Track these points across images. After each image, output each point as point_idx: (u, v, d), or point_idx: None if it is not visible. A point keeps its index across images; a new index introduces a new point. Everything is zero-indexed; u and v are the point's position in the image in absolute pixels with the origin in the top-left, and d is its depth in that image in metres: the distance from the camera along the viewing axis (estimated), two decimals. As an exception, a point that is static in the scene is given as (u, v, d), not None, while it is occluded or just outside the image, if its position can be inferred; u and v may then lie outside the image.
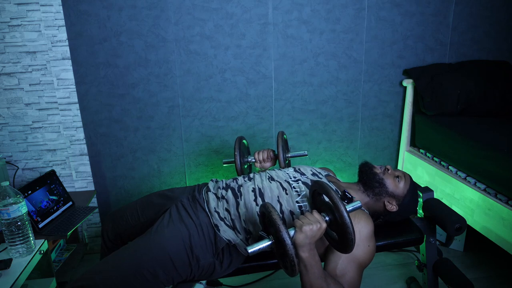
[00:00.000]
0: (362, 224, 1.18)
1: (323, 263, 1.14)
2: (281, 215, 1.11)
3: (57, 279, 1.53)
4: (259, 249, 1.01)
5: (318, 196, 1.13)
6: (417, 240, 1.40)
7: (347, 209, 1.00)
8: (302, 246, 1.01)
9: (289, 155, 1.60)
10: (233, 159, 1.56)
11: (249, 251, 1.00)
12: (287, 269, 1.01)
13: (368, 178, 1.33)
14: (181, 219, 1.21)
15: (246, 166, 1.58)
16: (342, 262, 1.13)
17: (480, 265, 1.88)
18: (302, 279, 1.04)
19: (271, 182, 1.28)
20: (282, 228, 0.95)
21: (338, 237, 1.04)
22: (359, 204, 1.07)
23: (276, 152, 1.56)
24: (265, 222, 1.08)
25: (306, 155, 1.63)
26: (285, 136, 1.61)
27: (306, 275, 1.03)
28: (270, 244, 1.01)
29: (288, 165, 1.59)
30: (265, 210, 1.02)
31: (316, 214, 1.04)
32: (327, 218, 1.04)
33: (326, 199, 1.09)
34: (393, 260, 1.95)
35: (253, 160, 1.58)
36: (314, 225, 1.01)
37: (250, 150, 1.77)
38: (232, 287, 1.77)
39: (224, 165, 1.63)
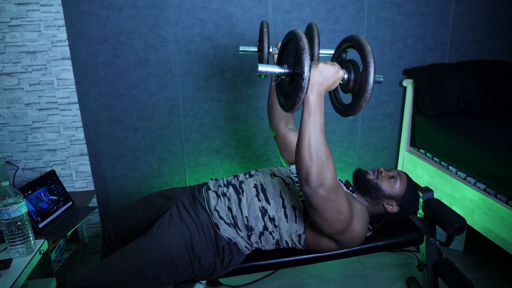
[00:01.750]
0: (362, 209, 1.20)
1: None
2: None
3: (57, 279, 1.53)
4: (270, 71, 0.95)
5: (342, 53, 1.07)
6: (417, 240, 1.40)
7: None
8: (312, 86, 0.95)
9: (320, 51, 1.32)
10: (252, 48, 1.38)
11: (259, 68, 0.94)
12: (289, 99, 0.94)
13: (362, 185, 1.32)
14: (182, 219, 1.21)
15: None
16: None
17: (480, 265, 1.88)
18: (302, 127, 0.98)
19: (273, 178, 1.28)
20: (307, 49, 0.86)
21: (354, 95, 0.96)
22: (381, 79, 1.03)
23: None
24: (284, 52, 1.01)
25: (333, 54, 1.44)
26: None
27: (307, 122, 0.96)
28: (283, 72, 0.94)
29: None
30: (292, 35, 0.94)
31: (336, 63, 0.99)
32: (346, 75, 0.99)
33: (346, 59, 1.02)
34: (393, 260, 1.95)
35: (276, 52, 1.38)
36: (332, 67, 0.96)
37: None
38: (232, 287, 1.77)
39: (241, 52, 1.40)
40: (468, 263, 1.90)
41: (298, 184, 1.25)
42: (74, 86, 1.83)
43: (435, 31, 2.07)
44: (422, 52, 2.10)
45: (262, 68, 0.94)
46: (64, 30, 1.74)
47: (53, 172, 1.77)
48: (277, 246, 1.24)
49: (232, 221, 1.20)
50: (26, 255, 1.33)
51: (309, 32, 1.29)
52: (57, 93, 1.82)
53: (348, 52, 1.07)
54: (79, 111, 1.87)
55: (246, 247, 1.21)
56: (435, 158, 1.96)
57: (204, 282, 1.28)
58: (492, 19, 2.11)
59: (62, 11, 1.72)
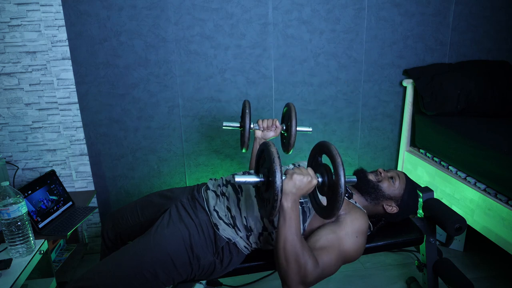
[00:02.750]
0: (356, 216, 1.17)
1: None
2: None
3: (57, 279, 1.53)
4: (245, 181, 1.00)
5: (316, 157, 1.11)
6: (417, 240, 1.40)
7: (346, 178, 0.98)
8: (287, 194, 1.00)
9: (297, 128, 1.48)
10: (234, 124, 1.49)
11: (236, 179, 0.99)
12: (266, 208, 0.99)
13: (363, 184, 1.32)
14: (181, 218, 1.21)
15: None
16: (326, 239, 1.10)
17: (480, 265, 1.88)
18: (278, 232, 1.03)
19: None
20: (277, 162, 0.93)
21: (328, 199, 1.01)
22: (355, 179, 1.06)
23: (281, 123, 1.51)
24: (260, 161, 1.06)
25: (311, 131, 1.55)
26: None
27: (283, 227, 1.01)
28: (258, 181, 1.00)
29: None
30: (265, 146, 1.00)
31: (310, 170, 1.03)
32: (320, 179, 1.03)
33: (323, 162, 1.07)
34: (393, 260, 1.95)
35: (256, 128, 1.51)
36: (305, 177, 1.00)
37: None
38: (232, 287, 1.77)
39: (224, 128, 1.51)
40: (468, 263, 1.90)
41: None
42: (74, 86, 1.83)
43: (435, 31, 2.07)
44: (422, 52, 2.09)
45: (239, 178, 0.99)
46: (64, 30, 1.75)
47: (53, 172, 1.77)
48: None
49: (231, 221, 1.20)
50: (26, 255, 1.33)
51: (287, 111, 1.46)
52: (57, 93, 1.82)
53: (323, 156, 1.11)
54: (79, 111, 1.87)
55: (245, 247, 1.21)
56: (435, 158, 1.96)
57: (204, 282, 1.27)
58: (492, 19, 2.11)
59: (62, 11, 1.72)
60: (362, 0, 1.95)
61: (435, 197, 1.46)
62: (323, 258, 1.05)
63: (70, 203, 1.78)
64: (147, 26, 1.82)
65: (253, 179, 1.01)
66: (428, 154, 2.03)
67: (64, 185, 1.86)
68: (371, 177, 1.33)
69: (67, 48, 1.77)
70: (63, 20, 1.73)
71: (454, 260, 1.89)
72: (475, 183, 1.67)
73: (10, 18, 1.69)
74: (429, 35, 2.07)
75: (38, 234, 1.53)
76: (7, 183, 1.30)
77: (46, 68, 1.78)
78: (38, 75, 1.78)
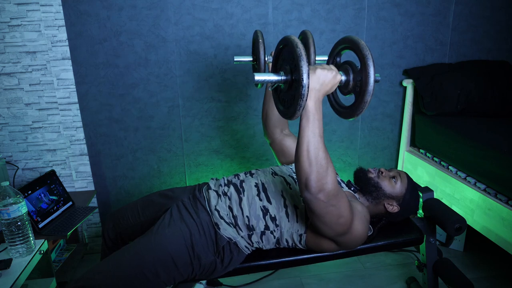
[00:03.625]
0: (363, 207, 1.19)
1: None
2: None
3: (57, 279, 1.53)
4: (267, 79, 0.93)
5: (337, 56, 1.06)
6: (417, 240, 1.40)
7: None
8: (311, 92, 0.94)
9: (316, 58, 1.31)
10: (246, 58, 1.35)
11: (256, 78, 0.92)
12: (289, 107, 0.93)
13: (363, 184, 1.33)
14: (182, 218, 1.21)
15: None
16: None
17: (480, 265, 1.88)
18: (301, 133, 0.97)
19: (274, 177, 1.28)
20: (303, 55, 0.85)
21: (356, 96, 0.95)
22: (378, 78, 0.99)
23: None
24: (279, 59, 0.99)
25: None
26: None
27: (306, 128, 0.95)
28: (280, 79, 0.93)
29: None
30: (287, 41, 0.92)
31: (333, 66, 0.98)
32: (343, 77, 0.98)
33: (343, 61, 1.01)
34: (393, 260, 1.95)
35: (270, 61, 1.34)
36: (330, 72, 0.95)
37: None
38: (232, 287, 1.77)
39: (235, 62, 1.37)
40: (468, 263, 1.90)
41: None
42: (74, 86, 1.83)
43: (435, 31, 2.07)
44: (422, 52, 2.10)
45: (258, 77, 0.92)
46: (64, 30, 1.74)
47: (53, 172, 1.77)
48: (277, 245, 1.24)
49: (233, 221, 1.20)
50: (26, 255, 1.33)
51: (304, 39, 1.28)
52: (57, 93, 1.82)
53: (342, 55, 1.06)
54: (79, 111, 1.87)
55: (246, 246, 1.21)
56: (435, 158, 1.96)
57: (204, 282, 1.28)
58: (492, 19, 2.11)
59: (62, 11, 1.72)
60: (362, 0, 1.96)
61: (435, 197, 1.46)
62: (341, 190, 1.03)
63: (70, 203, 1.78)
64: (147, 26, 1.82)
65: (274, 77, 0.93)
66: (428, 154, 2.03)
67: (64, 185, 1.86)
68: (371, 174, 1.34)
69: (67, 48, 1.77)
70: (63, 20, 1.73)
71: (454, 260, 1.89)
72: (475, 183, 1.67)
73: (10, 18, 1.69)
74: (429, 35, 2.07)
75: (38, 234, 1.53)
76: (7, 183, 1.30)
77: (46, 68, 1.78)
78: (38, 75, 1.78)
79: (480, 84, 1.95)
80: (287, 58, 0.94)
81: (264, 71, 1.28)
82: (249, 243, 1.21)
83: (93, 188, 1.99)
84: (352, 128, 2.17)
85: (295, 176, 1.29)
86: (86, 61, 1.82)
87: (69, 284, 1.12)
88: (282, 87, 0.97)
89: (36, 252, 1.35)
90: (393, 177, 1.33)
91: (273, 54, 1.28)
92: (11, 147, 1.86)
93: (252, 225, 1.19)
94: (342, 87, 1.00)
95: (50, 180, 1.73)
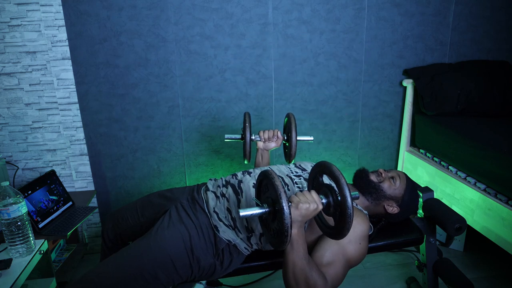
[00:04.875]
0: (357, 221, 1.17)
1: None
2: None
3: (57, 279, 1.53)
4: (251, 214, 0.99)
5: (318, 178, 1.10)
6: (417, 240, 1.40)
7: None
8: (294, 223, 1.00)
9: (298, 138, 1.51)
10: (236, 136, 1.52)
11: (241, 214, 0.98)
12: (275, 239, 0.99)
13: (364, 184, 1.33)
14: (181, 220, 1.21)
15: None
16: (330, 252, 1.11)
17: (480, 265, 1.88)
18: (286, 258, 1.04)
19: None
20: (283, 195, 0.92)
21: (335, 220, 1.01)
22: (357, 195, 1.05)
23: (283, 133, 1.53)
24: (261, 190, 1.06)
25: (312, 140, 1.57)
26: None
27: (290, 253, 1.02)
28: (264, 212, 0.99)
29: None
30: (265, 177, 0.99)
31: (314, 194, 1.02)
32: (324, 201, 1.02)
33: (326, 181, 1.06)
34: (393, 260, 1.95)
35: (258, 139, 1.54)
36: (311, 204, 1.00)
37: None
38: (232, 287, 1.77)
39: (226, 140, 1.56)
40: (468, 263, 1.90)
41: (298, 185, 1.25)
42: (74, 86, 1.83)
43: (435, 31, 2.07)
44: (422, 52, 2.09)
45: (243, 213, 0.98)
46: (64, 30, 1.74)
47: (53, 172, 1.77)
48: None
49: (232, 223, 1.20)
50: (26, 255, 1.33)
51: (287, 122, 1.50)
52: (57, 93, 1.82)
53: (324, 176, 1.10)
54: (79, 111, 1.87)
55: (246, 248, 1.21)
56: (435, 158, 1.96)
57: (204, 282, 1.27)
58: (492, 19, 2.11)
59: (62, 11, 1.72)
60: (362, 0, 1.95)
61: (435, 197, 1.46)
62: (330, 273, 1.07)
63: (70, 203, 1.78)
64: (147, 26, 1.82)
65: (259, 211, 1.00)
66: (428, 154, 2.03)
67: (64, 185, 1.86)
68: (372, 177, 1.34)
69: (67, 48, 1.77)
70: (63, 20, 1.73)
71: (454, 260, 1.89)
72: (475, 183, 1.67)
73: (10, 18, 1.69)
74: (429, 35, 2.07)
75: (38, 234, 1.53)
76: (7, 183, 1.29)
77: (46, 68, 1.78)
78: (38, 75, 1.78)
79: (480, 84, 1.95)
80: (269, 191, 1.00)
81: (250, 148, 1.48)
82: (248, 245, 1.21)
83: (93, 188, 1.99)
84: (352, 128, 2.17)
85: (293, 177, 1.29)
86: (86, 61, 1.82)
87: (69, 285, 1.12)
88: (268, 217, 1.03)
89: (36, 252, 1.35)
90: (392, 177, 1.33)
91: (260, 134, 1.54)
92: (11, 147, 1.86)
93: (251, 227, 1.19)
94: (325, 209, 1.05)
95: (50, 180, 1.73)
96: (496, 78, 1.98)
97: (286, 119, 1.54)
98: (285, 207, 0.91)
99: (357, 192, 1.06)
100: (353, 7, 1.96)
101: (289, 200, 0.99)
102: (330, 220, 1.06)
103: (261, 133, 1.54)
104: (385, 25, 2.01)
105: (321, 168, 1.05)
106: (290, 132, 1.46)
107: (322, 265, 1.08)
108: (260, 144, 1.56)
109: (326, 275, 1.06)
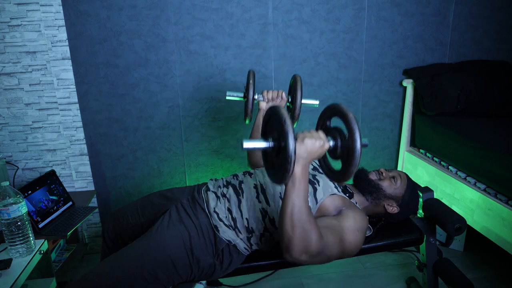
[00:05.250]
0: (358, 214, 1.16)
1: None
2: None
3: (57, 279, 1.53)
4: (254, 147, 0.96)
5: (325, 121, 1.08)
6: (417, 240, 1.40)
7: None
8: (298, 159, 0.94)
9: (303, 101, 1.45)
10: (238, 94, 1.47)
11: (244, 145, 0.94)
12: (277, 173, 0.96)
13: (363, 184, 1.32)
14: (181, 220, 1.21)
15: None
16: (330, 222, 1.08)
17: (480, 265, 1.88)
18: (286, 196, 0.98)
19: None
20: (289, 125, 0.88)
21: (342, 162, 0.98)
22: (367, 142, 1.00)
23: (287, 95, 1.48)
24: (268, 126, 1.03)
25: (317, 104, 1.51)
26: None
27: (292, 192, 0.96)
28: (268, 146, 0.96)
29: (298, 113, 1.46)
30: (273, 110, 0.96)
31: (321, 133, 0.99)
32: (331, 142, 0.99)
33: (332, 125, 1.04)
34: (393, 260, 1.95)
35: (261, 99, 1.47)
36: (317, 141, 0.97)
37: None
38: (232, 287, 1.77)
39: (228, 98, 1.48)
40: (468, 263, 1.90)
41: None
42: (74, 86, 1.83)
43: (435, 31, 2.07)
44: (422, 52, 2.09)
45: (247, 144, 0.95)
46: (64, 30, 1.74)
47: (53, 172, 1.77)
48: (276, 247, 1.24)
49: (232, 223, 1.20)
50: (26, 255, 1.33)
51: (293, 84, 1.44)
52: (57, 93, 1.82)
53: (332, 119, 1.08)
54: (79, 111, 1.87)
55: (245, 248, 1.21)
56: (435, 158, 1.96)
57: (204, 282, 1.27)
58: (492, 19, 2.11)
59: (62, 11, 1.72)
60: (362, 0, 1.95)
61: (435, 197, 1.46)
62: (327, 235, 1.03)
63: (70, 203, 1.78)
64: (147, 26, 1.82)
65: (263, 144, 0.96)
66: (428, 154, 2.03)
67: (64, 185, 1.86)
68: (372, 176, 1.33)
69: (67, 48, 1.77)
70: (63, 20, 1.73)
71: (454, 260, 1.89)
72: (475, 183, 1.67)
73: (10, 18, 1.69)
74: (429, 35, 2.07)
75: (38, 234, 1.53)
76: (7, 183, 1.29)
77: (46, 68, 1.78)
78: (38, 75, 1.78)
79: (480, 84, 1.95)
80: (275, 126, 0.97)
81: (253, 107, 1.42)
82: (248, 245, 1.21)
83: (93, 188, 1.99)
84: (352, 128, 2.17)
85: None
86: (86, 61, 1.82)
87: (69, 285, 1.12)
88: (272, 152, 1.00)
89: (36, 252, 1.35)
90: (393, 177, 1.33)
91: (263, 93, 1.45)
92: (11, 147, 1.86)
93: (251, 228, 1.19)
94: (331, 152, 1.02)
95: (50, 180, 1.73)
96: (496, 78, 1.98)
97: (292, 80, 1.46)
98: (290, 136, 0.86)
99: (367, 139, 1.00)
100: (353, 7, 1.96)
101: (295, 136, 0.95)
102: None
103: (265, 93, 1.47)
104: (385, 25, 2.01)
105: (331, 109, 1.02)
106: (296, 93, 1.39)
107: (320, 226, 1.04)
108: (263, 105, 1.48)
109: (322, 233, 1.01)
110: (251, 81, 1.40)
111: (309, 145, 0.96)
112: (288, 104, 1.50)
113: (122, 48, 1.83)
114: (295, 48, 1.97)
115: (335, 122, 1.02)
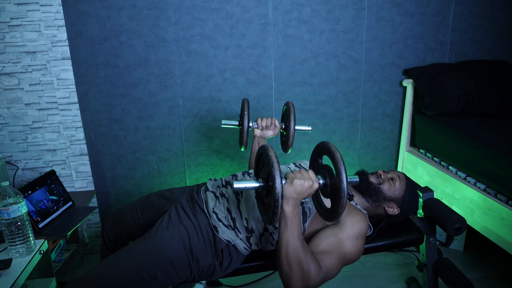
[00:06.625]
0: (357, 219, 1.16)
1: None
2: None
3: (57, 279, 1.53)
4: (245, 187, 0.98)
5: (317, 159, 1.09)
6: (417, 240, 1.39)
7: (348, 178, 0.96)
8: (288, 199, 0.98)
9: (296, 127, 1.48)
10: (233, 122, 1.50)
11: (235, 186, 0.97)
12: (267, 214, 0.98)
13: (364, 186, 1.32)
14: (180, 220, 1.21)
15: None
16: (327, 242, 1.10)
17: (480, 265, 1.88)
18: (280, 236, 1.01)
19: None
20: (276, 168, 0.91)
21: (332, 201, 0.99)
22: (357, 180, 1.03)
23: (280, 122, 1.52)
24: (259, 165, 1.05)
25: (310, 130, 1.55)
26: None
27: (284, 232, 0.99)
28: (258, 186, 0.98)
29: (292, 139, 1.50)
30: (263, 150, 0.98)
31: (311, 173, 1.01)
32: (321, 181, 1.01)
33: (323, 163, 1.05)
34: (393, 260, 1.95)
35: (255, 126, 1.51)
36: (306, 181, 0.98)
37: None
38: (232, 287, 1.77)
39: (223, 126, 1.52)
40: (468, 263, 1.90)
41: None
42: (74, 86, 1.83)
43: (435, 31, 2.07)
44: (422, 52, 2.09)
45: (237, 185, 0.97)
46: (64, 30, 1.75)
47: (53, 172, 1.77)
48: (276, 247, 1.24)
49: (231, 223, 1.19)
50: (26, 255, 1.33)
51: (286, 111, 1.47)
52: (57, 93, 1.82)
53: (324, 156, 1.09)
54: (79, 111, 1.87)
55: (245, 248, 1.21)
56: (435, 158, 1.96)
57: (203, 282, 1.27)
58: (492, 19, 2.11)
59: (62, 11, 1.72)
60: (362, 0, 1.95)
61: (435, 197, 1.46)
62: (325, 262, 1.04)
63: (70, 203, 1.78)
64: (147, 26, 1.82)
65: (252, 184, 0.99)
66: (428, 154, 2.03)
67: (64, 185, 1.86)
68: (372, 179, 1.33)
69: (67, 48, 1.77)
70: (63, 20, 1.74)
71: (454, 260, 1.89)
72: (475, 183, 1.67)
73: (10, 18, 1.69)
74: (429, 35, 2.07)
75: (38, 234, 1.53)
76: (7, 183, 1.29)
77: (46, 68, 1.78)
78: (38, 75, 1.78)
79: (480, 84, 1.95)
80: (264, 167, 0.99)
81: (247, 135, 1.46)
82: (247, 245, 1.21)
83: (93, 188, 1.99)
84: (352, 128, 2.17)
85: None
86: (86, 61, 1.82)
87: (68, 285, 1.12)
88: (263, 192, 1.02)
89: (36, 252, 1.35)
90: (392, 179, 1.33)
91: (258, 121, 1.51)
92: (11, 147, 1.86)
93: (251, 228, 1.19)
94: (322, 190, 1.04)
95: (50, 180, 1.73)
96: (496, 78, 1.98)
97: (285, 107, 1.51)
98: (277, 179, 0.89)
99: (357, 177, 1.03)
100: (353, 7, 1.96)
101: (284, 176, 0.98)
102: (327, 203, 1.05)
103: (259, 121, 1.51)
104: (385, 25, 2.01)
105: (320, 148, 1.04)
106: (289, 121, 1.43)
107: (317, 252, 1.06)
108: (257, 132, 1.53)
109: (320, 262, 1.03)
110: (245, 112, 1.44)
111: (298, 186, 0.98)
112: (281, 131, 1.54)
113: (122, 48, 1.83)
114: (295, 48, 1.97)
115: (327, 159, 1.04)
